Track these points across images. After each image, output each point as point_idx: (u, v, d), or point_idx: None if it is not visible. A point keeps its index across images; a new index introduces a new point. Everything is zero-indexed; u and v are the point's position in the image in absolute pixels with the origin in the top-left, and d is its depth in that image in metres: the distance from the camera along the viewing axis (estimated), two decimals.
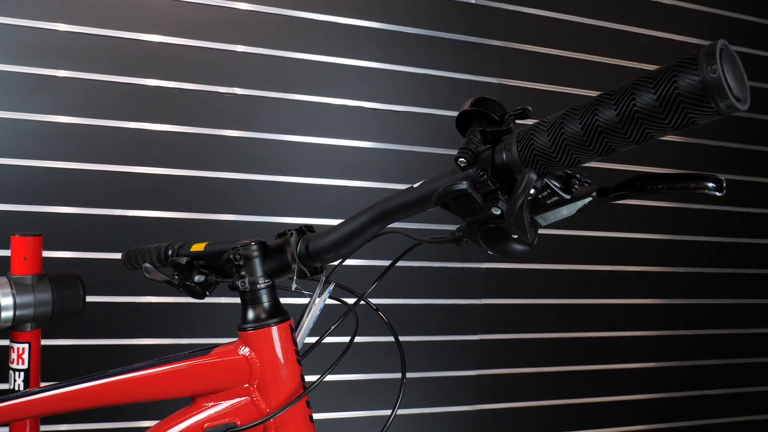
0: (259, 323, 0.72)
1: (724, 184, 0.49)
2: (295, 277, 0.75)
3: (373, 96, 1.79)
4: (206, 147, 1.65)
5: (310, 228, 0.76)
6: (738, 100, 0.41)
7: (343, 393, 1.83)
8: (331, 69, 1.75)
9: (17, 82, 1.51)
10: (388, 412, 1.85)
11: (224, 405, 0.74)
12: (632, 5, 2.05)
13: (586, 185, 0.55)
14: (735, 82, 0.41)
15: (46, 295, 1.08)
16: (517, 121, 0.58)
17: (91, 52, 1.55)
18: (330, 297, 0.78)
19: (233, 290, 0.74)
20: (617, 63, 2.03)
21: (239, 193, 1.69)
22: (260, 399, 0.73)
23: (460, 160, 0.57)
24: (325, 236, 0.72)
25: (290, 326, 0.74)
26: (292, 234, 0.75)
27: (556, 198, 0.55)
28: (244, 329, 0.73)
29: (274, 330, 0.72)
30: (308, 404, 0.74)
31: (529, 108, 0.55)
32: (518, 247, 0.58)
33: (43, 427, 1.53)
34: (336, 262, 0.76)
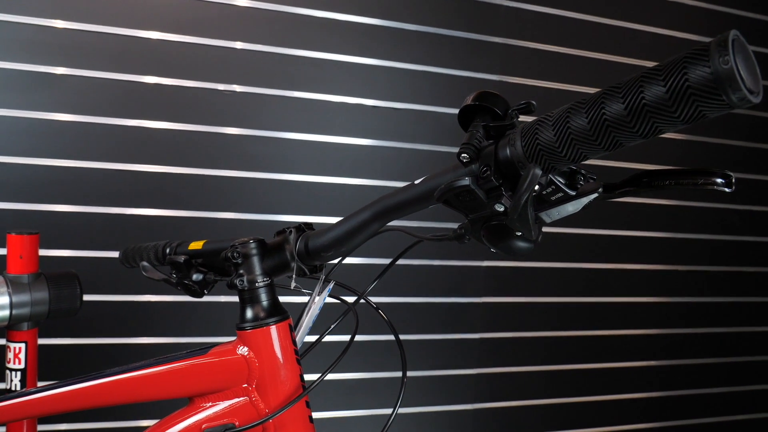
0: (258, 322, 0.71)
1: (733, 180, 0.48)
2: (294, 276, 0.74)
3: (372, 93, 1.78)
4: (205, 144, 1.65)
5: (309, 226, 0.75)
6: (751, 92, 0.40)
7: (342, 392, 1.82)
8: (331, 66, 1.74)
9: (15, 80, 1.50)
10: (388, 410, 1.85)
11: (222, 405, 0.73)
12: (633, 2, 2.04)
13: (591, 181, 0.54)
14: (748, 74, 0.40)
15: (42, 294, 1.08)
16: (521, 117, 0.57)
17: (89, 49, 1.54)
18: (329, 296, 0.77)
19: (231, 289, 0.73)
20: (618, 60, 2.02)
21: (238, 190, 1.68)
22: (259, 399, 0.72)
23: (463, 155, 0.56)
24: (324, 234, 0.71)
25: (289, 325, 0.73)
26: (291, 232, 0.74)
27: (560, 194, 0.53)
28: (243, 328, 0.72)
29: (273, 329, 0.71)
30: (308, 404, 0.73)
31: (533, 102, 0.54)
32: (522, 244, 0.57)
33: (41, 427, 1.52)
34: (336, 261, 0.75)
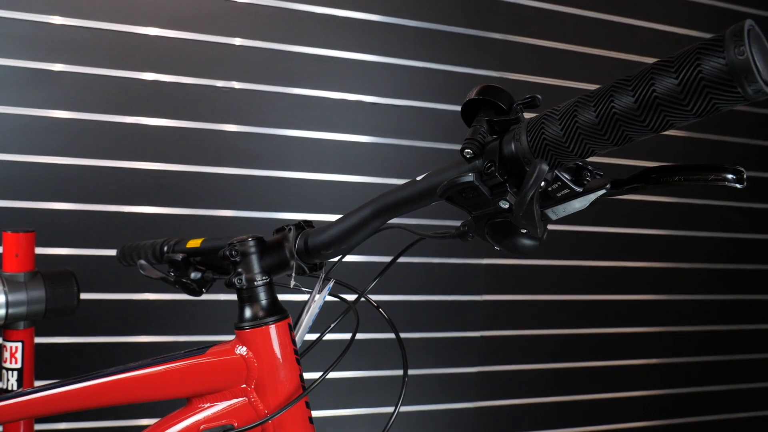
0: (257, 322, 0.70)
1: (745, 176, 0.46)
2: (293, 274, 0.72)
3: (372, 90, 1.77)
4: (203, 142, 1.64)
5: (309, 223, 0.74)
6: (767, 83, 0.38)
7: (342, 390, 1.82)
8: (330, 62, 1.73)
9: (11, 76, 1.49)
10: (388, 409, 1.86)
11: (221, 406, 0.72)
12: None
13: (598, 177, 0.52)
14: (764, 65, 0.38)
15: (39, 293, 1.07)
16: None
17: (87, 46, 1.54)
18: (329, 294, 0.76)
19: (229, 288, 0.71)
20: (618, 56, 2.01)
21: (236, 188, 1.67)
22: (258, 400, 0.70)
23: (466, 151, 0.55)
24: (324, 231, 0.70)
25: (289, 325, 0.72)
26: (290, 229, 0.72)
27: (566, 191, 0.52)
28: (241, 328, 0.71)
29: (272, 329, 0.70)
30: (308, 405, 0.72)
31: (538, 96, 0.53)
32: (527, 242, 0.55)
33: (41, 426, 1.51)
34: (336, 259, 0.74)
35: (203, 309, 1.66)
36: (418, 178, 0.62)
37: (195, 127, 1.63)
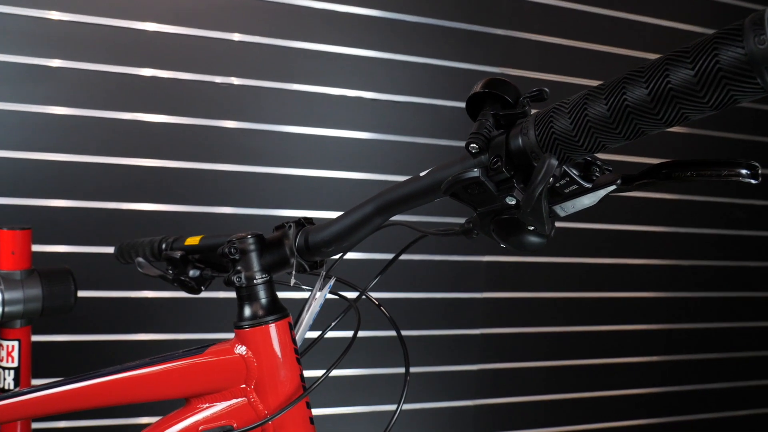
0: (256, 320, 0.69)
1: (759, 171, 0.45)
2: (293, 272, 0.71)
3: (372, 86, 1.76)
4: (202, 138, 1.63)
5: (309, 220, 0.73)
6: None
7: (342, 388, 1.81)
8: (330, 58, 1.72)
9: (8, 72, 1.48)
10: (388, 407, 1.85)
11: (220, 406, 0.70)
12: None
13: (607, 173, 0.51)
14: None
15: (35, 291, 1.06)
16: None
17: (85, 41, 1.53)
18: (329, 292, 0.74)
19: (228, 286, 0.70)
20: (621, 52, 2.00)
21: (236, 185, 1.66)
22: (258, 400, 0.69)
23: (472, 145, 0.53)
24: (325, 229, 0.69)
25: (289, 323, 0.71)
26: (290, 226, 0.71)
27: (575, 186, 0.50)
28: (241, 327, 0.69)
29: (272, 328, 0.69)
30: (308, 405, 0.71)
31: (546, 90, 0.51)
32: (534, 239, 0.54)
33: (41, 424, 1.51)
34: (336, 256, 0.73)
35: (202, 307, 1.65)
36: (422, 174, 0.61)
37: (193, 123, 1.61)
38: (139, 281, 1.57)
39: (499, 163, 0.51)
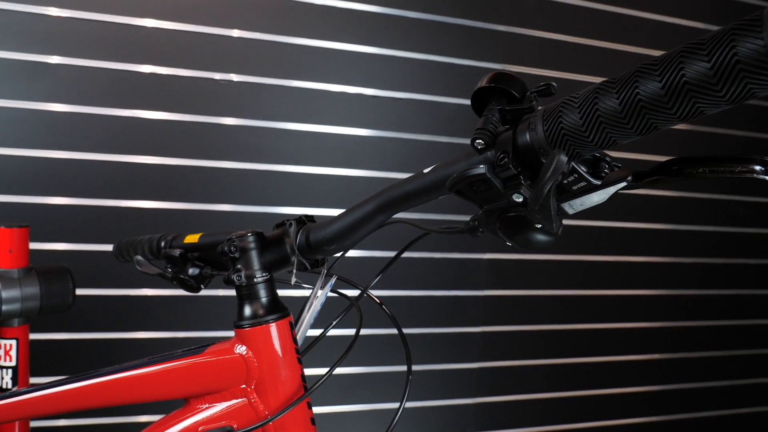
0: (257, 320, 0.68)
1: None
2: (294, 270, 0.70)
3: (373, 82, 1.75)
4: (201, 135, 1.62)
5: (310, 218, 0.72)
6: None
7: (343, 386, 1.80)
8: (330, 55, 1.71)
9: (7, 69, 1.48)
10: (388, 405, 1.84)
11: (220, 407, 0.69)
12: None
13: (616, 169, 0.50)
14: None
15: (33, 290, 1.05)
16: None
17: (84, 38, 1.52)
18: (330, 290, 0.73)
19: (228, 284, 0.69)
20: (623, 48, 1.99)
21: (235, 182, 1.65)
22: (258, 401, 0.68)
23: (478, 141, 0.52)
24: (326, 226, 0.67)
25: (290, 323, 0.70)
26: (291, 224, 0.70)
27: (583, 183, 0.49)
28: (241, 326, 0.68)
29: (273, 327, 0.68)
30: (309, 405, 0.70)
31: (554, 84, 0.50)
32: (541, 237, 0.53)
33: (38, 422, 1.50)
34: (338, 254, 0.72)
35: (201, 305, 1.64)
36: (426, 171, 0.59)
37: (193, 120, 1.61)
38: (138, 279, 1.56)
39: (506, 160, 0.50)
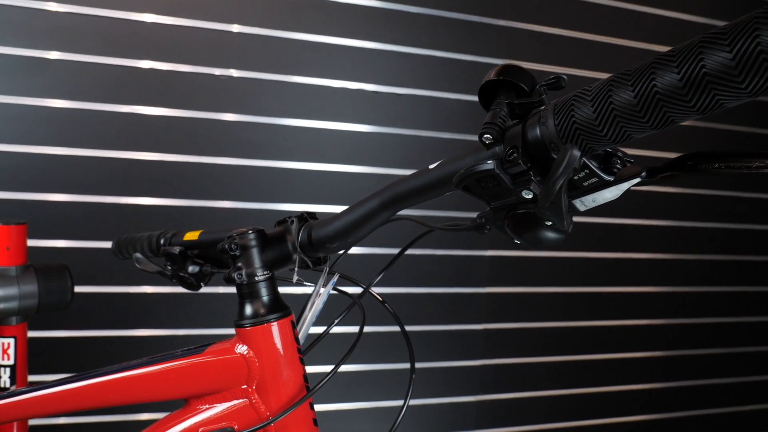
0: (258, 319, 0.66)
1: None
2: (296, 268, 0.69)
3: (373, 78, 1.74)
4: (201, 131, 1.61)
5: (312, 215, 0.71)
6: None
7: (344, 384, 1.79)
8: (331, 50, 1.70)
9: (6, 64, 1.47)
10: (390, 403, 1.83)
11: (220, 408, 0.68)
12: None
13: (628, 164, 0.48)
14: None
15: (31, 287, 1.04)
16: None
17: (83, 33, 1.51)
18: (332, 288, 0.72)
19: (229, 283, 0.68)
20: (624, 43, 1.98)
21: (236, 178, 1.64)
22: (260, 401, 0.67)
23: (485, 136, 0.50)
24: (329, 224, 0.66)
25: (291, 322, 0.68)
26: (292, 221, 0.69)
27: (594, 179, 0.48)
28: (242, 325, 0.67)
29: (275, 326, 0.66)
30: (311, 406, 0.69)
31: (564, 77, 0.49)
32: (551, 235, 0.51)
33: (38, 420, 1.49)
34: (340, 252, 0.70)
35: (201, 302, 1.63)
36: (431, 167, 0.58)
37: (193, 116, 1.59)
38: (137, 276, 1.55)
39: (515, 155, 0.48)
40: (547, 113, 0.47)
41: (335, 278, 0.72)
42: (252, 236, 0.68)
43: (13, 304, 1.03)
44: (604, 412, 2.12)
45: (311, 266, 0.70)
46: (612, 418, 2.13)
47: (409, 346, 0.72)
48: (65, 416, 1.53)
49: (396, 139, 1.77)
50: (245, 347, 0.67)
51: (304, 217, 0.70)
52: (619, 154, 0.48)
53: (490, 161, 0.50)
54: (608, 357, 2.09)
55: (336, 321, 0.77)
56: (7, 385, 1.09)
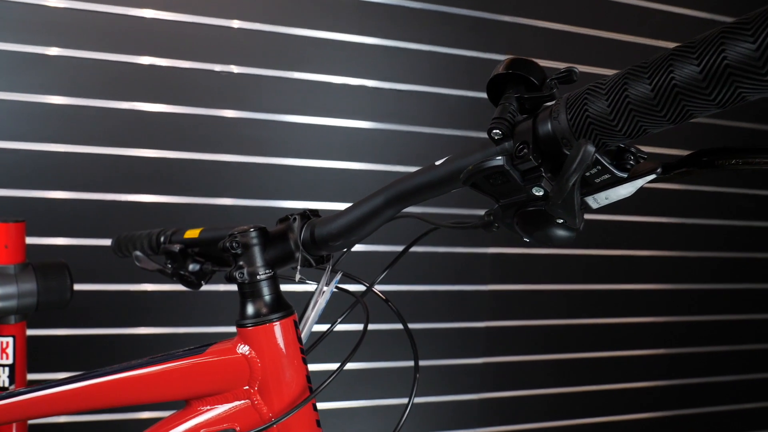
0: (260, 319, 0.65)
1: None
2: (299, 267, 0.67)
3: (375, 74, 1.73)
4: (201, 128, 1.60)
5: (314, 213, 0.69)
6: None
7: (347, 382, 1.78)
8: (332, 46, 1.69)
9: (5, 60, 1.45)
10: (393, 401, 1.82)
11: (222, 409, 0.67)
12: None
13: (642, 161, 0.47)
14: None
15: (30, 286, 1.03)
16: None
17: (82, 29, 1.50)
18: (335, 287, 0.71)
19: (230, 282, 0.66)
20: (629, 39, 1.97)
21: (237, 175, 1.63)
22: (262, 402, 0.66)
23: (495, 131, 0.49)
24: (332, 221, 0.65)
25: (294, 321, 0.67)
26: (295, 219, 0.67)
27: (607, 176, 0.46)
28: (243, 325, 0.66)
29: (277, 326, 0.65)
30: (315, 407, 0.67)
31: (575, 70, 0.47)
32: (563, 232, 0.50)
33: (38, 419, 1.48)
34: (344, 250, 0.69)
35: (202, 300, 1.62)
36: (437, 163, 0.57)
37: (193, 112, 1.58)
38: (137, 274, 1.55)
39: (526, 151, 0.47)
40: (558, 107, 0.46)
41: (338, 276, 0.71)
42: (254, 234, 0.67)
43: (11, 303, 1.02)
44: (607, 409, 2.11)
45: (314, 264, 0.69)
46: (615, 415, 2.12)
47: (413, 346, 0.71)
48: (65, 415, 1.53)
49: (398, 135, 1.76)
50: (247, 347, 0.66)
51: (307, 215, 0.68)
52: (633, 149, 0.47)
53: (500, 157, 0.48)
54: (611, 355, 2.09)
55: (339, 320, 0.76)
56: (6, 384, 1.08)
